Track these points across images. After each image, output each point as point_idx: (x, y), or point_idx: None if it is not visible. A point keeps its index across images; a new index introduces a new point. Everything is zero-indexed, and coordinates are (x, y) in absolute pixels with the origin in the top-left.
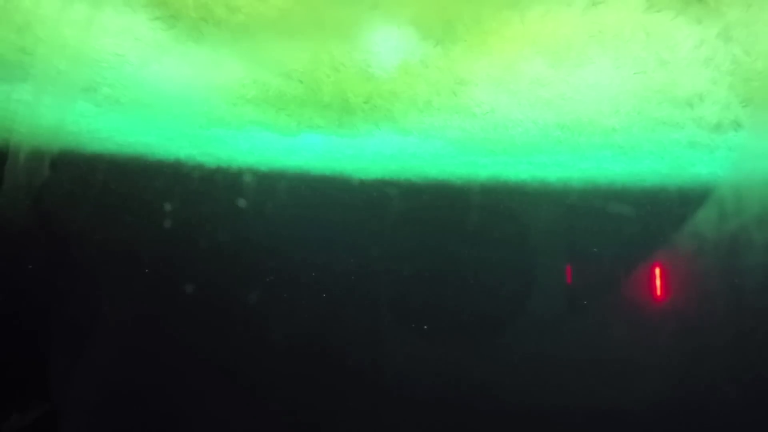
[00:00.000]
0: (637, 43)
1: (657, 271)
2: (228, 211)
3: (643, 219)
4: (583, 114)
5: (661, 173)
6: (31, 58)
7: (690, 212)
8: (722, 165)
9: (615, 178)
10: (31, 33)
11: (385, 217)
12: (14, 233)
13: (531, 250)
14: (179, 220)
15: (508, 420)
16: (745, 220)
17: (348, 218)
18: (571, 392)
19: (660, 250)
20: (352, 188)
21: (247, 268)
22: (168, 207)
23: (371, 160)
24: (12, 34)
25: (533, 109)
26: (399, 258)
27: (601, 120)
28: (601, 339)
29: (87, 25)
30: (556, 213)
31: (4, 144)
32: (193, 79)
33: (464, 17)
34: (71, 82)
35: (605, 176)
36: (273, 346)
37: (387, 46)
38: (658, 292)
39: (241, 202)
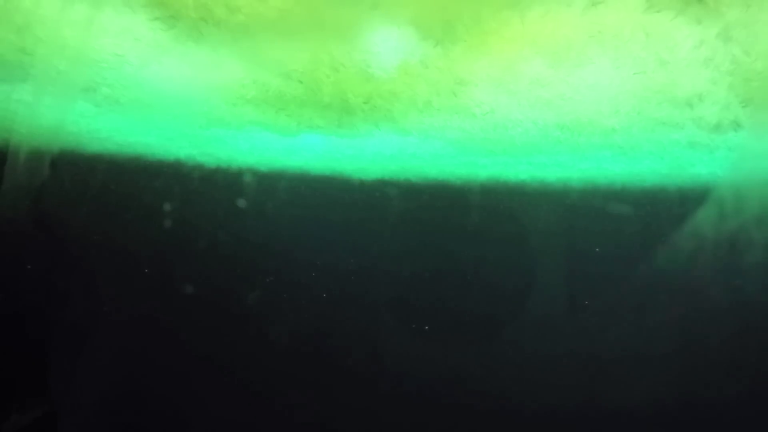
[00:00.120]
0: (636, 44)
1: (657, 271)
2: (228, 212)
3: (642, 219)
4: (582, 114)
5: (661, 173)
6: (30, 58)
7: (689, 212)
8: (722, 165)
9: (615, 179)
10: (30, 33)
11: (384, 218)
12: (14, 233)
13: (531, 251)
14: (179, 221)
15: (509, 420)
16: (745, 221)
17: (348, 218)
18: (571, 392)
19: (660, 250)
20: (352, 188)
21: (247, 269)
22: (168, 207)
23: (371, 161)
24: (12, 35)
25: (533, 109)
26: (399, 258)
27: (601, 120)
28: (600, 339)
29: (87, 25)
30: (556, 213)
31: (3, 144)
32: (193, 79)
33: (464, 17)
34: (71, 83)
35: (605, 176)
36: (273, 346)
37: (387, 47)
38: (658, 293)
39: (241, 203)
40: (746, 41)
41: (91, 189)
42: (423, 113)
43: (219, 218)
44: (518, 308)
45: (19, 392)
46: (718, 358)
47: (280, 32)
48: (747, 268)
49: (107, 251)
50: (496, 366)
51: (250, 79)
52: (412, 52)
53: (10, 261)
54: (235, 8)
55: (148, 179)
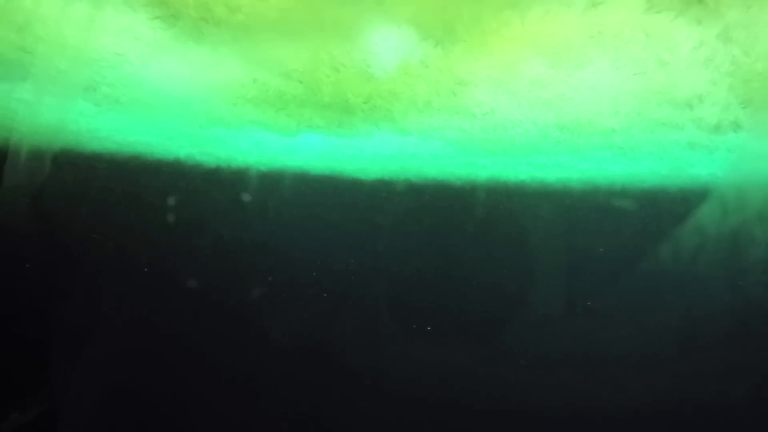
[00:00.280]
0: (636, 44)
1: (656, 271)
2: (227, 211)
3: (642, 220)
4: (582, 115)
5: (661, 174)
6: (31, 57)
7: (689, 213)
8: (722, 166)
9: (614, 179)
10: (31, 32)
11: (384, 218)
12: (14, 232)
13: (530, 251)
14: (179, 220)
15: (510, 420)
16: (745, 221)
17: (347, 218)
18: (571, 392)
19: (659, 250)
20: (351, 188)
21: (246, 268)
22: (167, 206)
23: (371, 161)
24: (12, 34)
25: (533, 109)
26: (399, 258)
27: (601, 121)
28: (600, 340)
29: (87, 24)
30: (556, 214)
31: (4, 143)
32: (193, 78)
33: (464, 18)
34: (71, 82)
35: (605, 177)
36: (272, 346)
37: (387, 47)
38: (657, 293)
39: (241, 202)
40: (746, 42)
41: (90, 188)
42: (423, 113)
43: (219, 217)
44: (518, 308)
45: (18, 391)
46: (718, 359)
47: (281, 32)
48: (747, 269)
49: (107, 250)
50: (494, 366)
51: (250, 78)
52: (412, 52)
53: (9, 260)
54: (235, 8)
55: (148, 178)
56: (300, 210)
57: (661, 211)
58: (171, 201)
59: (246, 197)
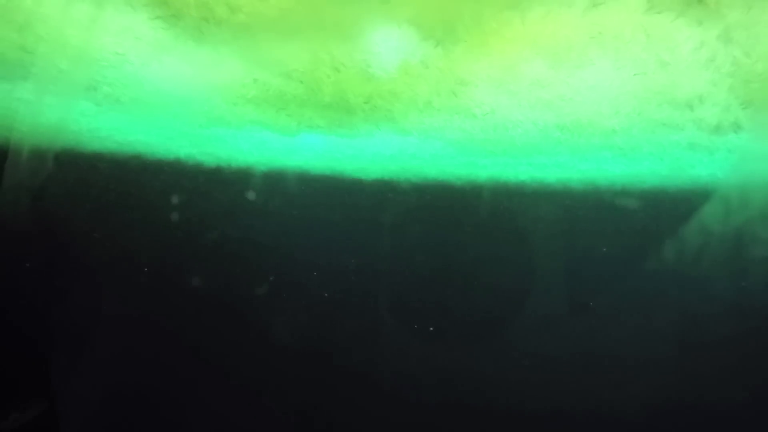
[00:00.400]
0: (637, 45)
1: (656, 272)
2: (228, 211)
3: (642, 221)
4: (583, 115)
5: (661, 175)
6: (32, 56)
7: (689, 214)
8: (722, 167)
9: (615, 180)
10: (32, 32)
11: (384, 218)
12: (14, 232)
13: (530, 252)
14: (179, 219)
15: (512, 421)
16: (746, 222)
17: (348, 218)
18: (573, 392)
19: (660, 251)
20: (352, 188)
21: (247, 268)
22: (168, 205)
23: (371, 161)
24: (13, 33)
25: (533, 110)
26: (399, 258)
27: (601, 121)
28: (600, 340)
29: (88, 24)
30: (556, 214)
31: (4, 142)
32: (194, 78)
33: (465, 18)
34: (72, 81)
35: (605, 178)
36: (273, 346)
37: (387, 47)
38: (658, 294)
39: (241, 202)
40: (747, 43)
41: (91, 188)
42: (423, 113)
43: (219, 217)
44: (519, 309)
45: (18, 391)
46: (718, 360)
47: (281, 32)
48: (748, 269)
49: (107, 250)
50: (495, 366)
51: (250, 78)
52: (412, 53)
53: (9, 260)
54: (236, 7)
55: (148, 178)
56: (300, 210)
57: (661, 211)
58: (171, 200)
59: (246, 197)
